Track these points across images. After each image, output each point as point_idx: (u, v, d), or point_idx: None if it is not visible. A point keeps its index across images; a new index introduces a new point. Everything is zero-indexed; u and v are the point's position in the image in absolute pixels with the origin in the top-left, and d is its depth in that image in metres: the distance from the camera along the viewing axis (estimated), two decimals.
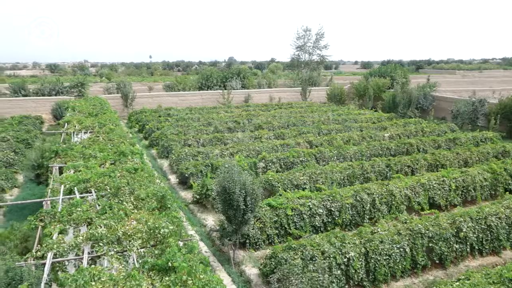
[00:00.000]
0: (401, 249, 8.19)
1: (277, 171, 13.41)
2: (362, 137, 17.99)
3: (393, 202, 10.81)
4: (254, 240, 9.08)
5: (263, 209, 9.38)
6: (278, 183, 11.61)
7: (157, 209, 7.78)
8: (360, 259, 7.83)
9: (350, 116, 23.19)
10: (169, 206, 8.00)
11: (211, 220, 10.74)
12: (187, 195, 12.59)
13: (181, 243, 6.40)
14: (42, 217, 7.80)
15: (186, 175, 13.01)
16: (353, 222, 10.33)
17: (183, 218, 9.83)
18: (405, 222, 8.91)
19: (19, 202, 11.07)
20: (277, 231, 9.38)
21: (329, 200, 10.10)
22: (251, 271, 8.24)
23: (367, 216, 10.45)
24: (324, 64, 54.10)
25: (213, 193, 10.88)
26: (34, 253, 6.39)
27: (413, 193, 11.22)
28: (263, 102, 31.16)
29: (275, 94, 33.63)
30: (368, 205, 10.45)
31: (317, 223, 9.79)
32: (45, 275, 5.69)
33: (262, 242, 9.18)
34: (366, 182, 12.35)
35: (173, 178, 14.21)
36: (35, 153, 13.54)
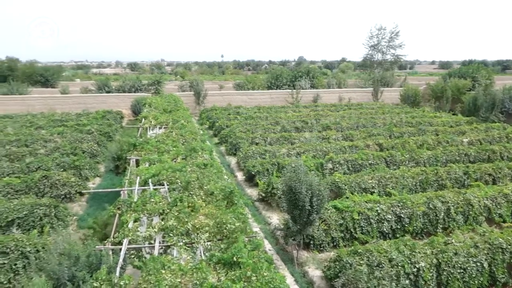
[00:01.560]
0: (478, 264, 7.61)
1: (344, 173, 13.11)
2: (437, 141, 16.97)
3: (470, 212, 10.07)
4: (319, 241, 8.97)
5: (328, 211, 9.24)
6: (345, 185, 11.36)
7: (224, 205, 8.00)
8: (431, 270, 7.41)
9: (424, 119, 21.98)
10: (235, 202, 8.19)
11: (275, 218, 10.80)
12: (253, 192, 12.77)
13: (246, 239, 6.52)
14: (120, 206, 8.39)
15: (253, 172, 13.20)
16: (425, 230, 9.80)
17: (248, 214, 9.99)
18: (484, 235, 8.26)
19: (100, 190, 12.00)
20: (342, 234, 9.19)
21: (399, 206, 9.68)
22: (314, 273, 8.16)
23: (440, 226, 9.85)
24: (398, 64, 51.80)
25: (278, 192, 10.93)
26: (112, 239, 6.89)
27: (494, 204, 10.37)
28: (332, 102, 30.63)
29: (344, 94, 32.90)
30: (442, 214, 9.85)
31: (385, 229, 9.43)
32: (120, 260, 6.11)
33: (327, 245, 9.04)
34: (440, 189, 11.63)
35: (240, 175, 14.50)
36: (115, 145, 14.58)
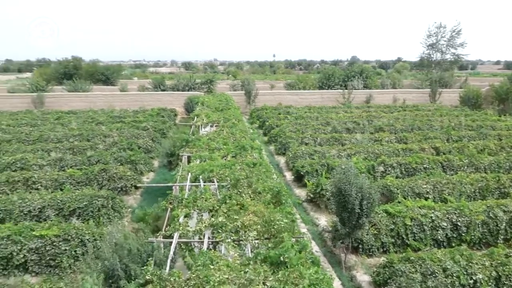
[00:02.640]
0: None
1: (397, 177, 12.66)
2: (500, 146, 15.90)
3: None
4: (368, 246, 8.74)
5: (379, 215, 8.97)
6: (397, 189, 10.97)
7: (272, 203, 8.02)
8: (490, 283, 6.97)
9: (486, 123, 20.67)
10: (283, 201, 8.19)
11: (323, 220, 10.66)
12: (301, 193, 12.70)
13: (293, 240, 6.49)
14: (171, 201, 8.68)
15: (302, 173, 13.12)
16: (483, 241, 9.23)
17: (296, 215, 9.95)
18: None
19: (154, 185, 12.49)
20: (393, 240, 8.88)
21: (455, 214, 9.19)
22: (362, 278, 7.96)
23: (502, 237, 9.23)
24: (458, 64, 49.20)
25: (327, 193, 10.78)
26: (164, 232, 7.14)
27: None
28: (386, 104, 29.68)
29: (399, 95, 31.76)
30: (504, 224, 9.23)
31: (439, 237, 9.00)
32: (171, 253, 6.31)
33: (376, 249, 8.79)
34: (502, 198, 10.90)
35: (288, 175, 14.47)
36: (169, 142, 15.10)
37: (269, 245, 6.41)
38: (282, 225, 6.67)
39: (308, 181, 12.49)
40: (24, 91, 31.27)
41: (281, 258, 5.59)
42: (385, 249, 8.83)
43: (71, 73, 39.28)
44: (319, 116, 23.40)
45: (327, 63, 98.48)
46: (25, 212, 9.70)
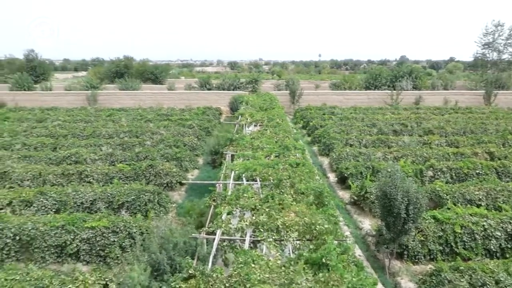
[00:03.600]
0: None
1: (446, 182, 12.13)
2: None
3: None
4: (413, 252, 8.44)
5: (426, 221, 8.63)
6: (447, 195, 10.51)
7: (314, 205, 7.95)
8: None
9: None
10: (326, 203, 8.09)
11: (367, 223, 10.42)
12: (344, 195, 12.49)
13: (335, 242, 6.40)
14: (215, 198, 8.83)
15: (345, 175, 12.90)
16: None
17: (339, 217, 9.80)
18: None
19: (198, 181, 12.76)
20: (441, 248, 8.52)
21: (511, 223, 8.66)
22: (407, 285, 7.71)
23: None
24: None
25: (372, 196, 10.53)
26: (207, 228, 7.29)
27: None
28: (436, 105, 28.49)
29: (451, 97, 30.38)
30: None
31: (492, 247, 8.52)
32: (213, 250, 6.43)
33: (422, 257, 8.47)
34: None
35: (332, 177, 14.27)
36: (213, 140, 15.36)
37: (311, 246, 6.36)
38: (325, 227, 6.59)
39: (352, 183, 12.26)
40: (80, 89, 33.00)
41: (323, 260, 5.53)
42: (432, 256, 8.50)
43: (123, 72, 40.92)
44: (365, 117, 22.88)
45: (374, 63, 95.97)
46: (78, 204, 10.25)
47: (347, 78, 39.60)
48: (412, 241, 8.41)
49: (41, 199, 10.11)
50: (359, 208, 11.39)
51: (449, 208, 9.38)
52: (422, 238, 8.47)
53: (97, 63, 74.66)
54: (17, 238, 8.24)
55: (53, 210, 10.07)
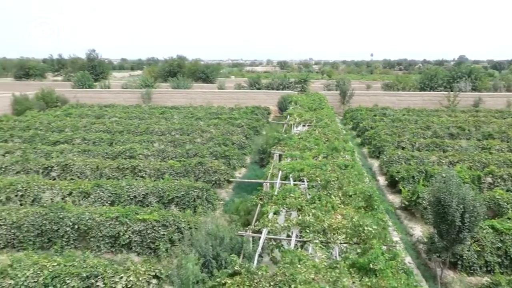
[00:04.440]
0: None
1: (507, 190, 11.38)
2: None
3: None
4: (468, 263, 8.00)
5: (484, 230, 8.16)
6: (507, 204, 9.87)
7: (363, 208, 7.77)
8: None
9: None
10: (375, 207, 7.88)
11: (418, 230, 10.03)
12: (394, 199, 12.09)
13: (384, 247, 6.22)
14: (262, 197, 8.88)
15: (396, 178, 12.48)
16: None
17: (388, 222, 9.51)
18: None
19: (245, 180, 12.89)
20: (499, 259, 8.02)
21: None
22: None
23: None
24: None
25: (424, 202, 10.12)
26: (253, 227, 7.35)
27: None
28: (498, 108, 26.78)
29: None
30: None
31: None
32: (259, 248, 6.47)
33: (478, 268, 8.01)
34: None
35: (381, 180, 13.87)
36: (261, 139, 15.45)
37: (358, 250, 6.22)
38: (373, 231, 6.42)
39: (403, 187, 11.84)
40: (135, 87, 34.45)
41: (370, 265, 5.39)
42: (489, 268, 8.02)
43: (176, 71, 42.19)
44: (419, 119, 22.01)
45: (430, 63, 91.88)
46: (131, 197, 10.72)
47: (401, 78, 38.29)
48: (467, 251, 7.99)
49: (98, 191, 10.68)
50: (410, 214, 10.99)
51: (509, 218, 8.80)
52: (478, 249, 8.02)
53: (152, 63, 77.55)
54: (76, 227, 8.77)
55: (109, 202, 10.60)
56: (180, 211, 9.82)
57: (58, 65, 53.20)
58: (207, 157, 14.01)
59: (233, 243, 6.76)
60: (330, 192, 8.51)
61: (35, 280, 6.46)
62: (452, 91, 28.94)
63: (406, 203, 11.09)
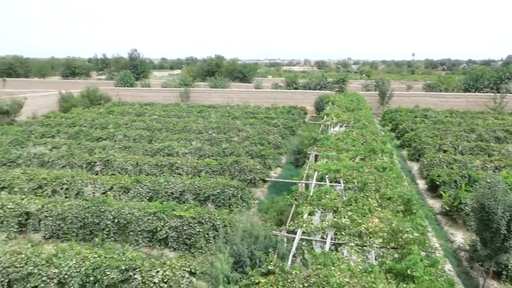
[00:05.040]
0: None
1: None
2: None
3: None
4: None
5: None
6: None
7: (401, 212, 7.56)
8: None
9: None
10: (414, 211, 7.65)
11: (460, 237, 9.64)
12: (435, 204, 11.69)
13: (423, 253, 6.03)
14: (297, 197, 8.85)
15: (437, 182, 12.05)
16: None
17: (428, 227, 9.20)
18: None
19: (280, 180, 12.87)
20: None
21: None
22: None
23: None
24: None
25: (467, 208, 9.72)
26: (287, 227, 7.33)
27: None
28: None
29: None
30: None
31: None
32: (293, 248, 6.44)
33: None
34: None
35: (421, 184, 13.45)
36: (297, 139, 15.38)
37: (395, 255, 6.06)
38: (411, 236, 6.23)
39: (444, 192, 11.43)
40: (174, 86, 35.21)
41: (408, 271, 5.24)
42: None
43: (213, 70, 42.77)
44: (462, 121, 21.16)
45: (476, 63, 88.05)
46: (169, 193, 10.97)
47: (443, 79, 36.92)
48: None
49: (137, 187, 11.01)
50: (451, 220, 10.58)
51: None
52: None
53: (191, 62, 79.02)
54: (116, 220, 9.08)
55: (147, 197, 10.91)
56: (215, 208, 9.94)
57: (102, 65, 55.32)
58: (243, 156, 14.11)
59: (267, 242, 6.77)
60: (367, 194, 8.34)
61: (77, 270, 6.76)
62: (499, 93, 27.59)
63: (447, 208, 10.69)
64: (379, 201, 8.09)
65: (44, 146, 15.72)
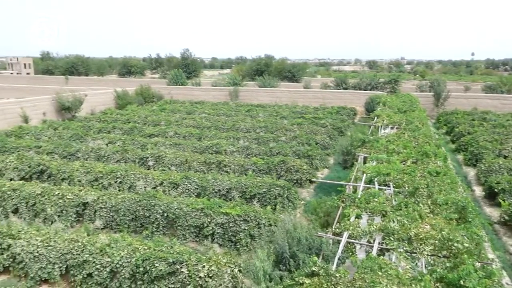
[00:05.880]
0: None
1: None
2: None
3: None
4: None
5: None
6: None
7: (455, 220, 7.20)
8: None
9: None
10: (469, 220, 7.25)
11: None
12: (492, 212, 11.02)
13: (478, 264, 5.70)
14: (344, 199, 8.69)
15: (496, 190, 11.35)
16: None
17: (484, 237, 8.69)
18: None
19: (327, 181, 12.69)
20: None
21: None
22: None
23: None
24: None
25: None
26: (333, 229, 7.21)
27: None
28: None
29: None
30: None
31: None
32: (339, 251, 6.33)
33: None
34: None
35: (478, 190, 12.72)
36: (346, 140, 15.09)
37: (447, 264, 5.78)
38: (465, 246, 5.92)
39: (504, 200, 10.73)
40: (224, 85, 35.81)
41: (461, 282, 4.98)
42: None
43: (263, 70, 43.03)
44: None
45: None
46: (216, 191, 11.17)
47: (506, 80, 34.67)
48: None
49: (186, 183, 11.31)
50: (510, 230, 9.93)
51: None
52: None
53: (240, 62, 79.97)
54: (165, 215, 9.39)
55: (195, 194, 11.17)
56: (261, 207, 9.99)
57: (155, 64, 57.46)
58: (290, 156, 14.07)
59: (311, 244, 6.70)
60: (418, 199, 8.03)
61: (128, 261, 7.06)
62: None
63: (506, 217, 10.03)
64: (431, 207, 7.76)
65: (101, 140, 16.58)
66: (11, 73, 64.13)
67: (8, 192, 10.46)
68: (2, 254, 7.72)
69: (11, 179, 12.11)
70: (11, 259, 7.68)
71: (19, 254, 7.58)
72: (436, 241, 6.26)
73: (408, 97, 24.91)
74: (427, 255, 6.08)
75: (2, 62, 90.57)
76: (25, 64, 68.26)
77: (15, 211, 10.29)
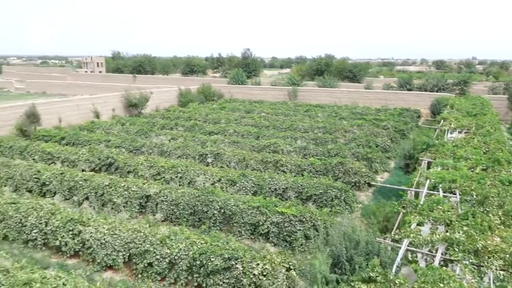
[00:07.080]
0: None
1: None
2: None
3: None
4: None
5: None
6: None
7: None
8: None
9: None
10: None
11: None
12: None
13: None
14: (405, 205, 8.33)
15: None
16: None
17: None
18: None
19: (387, 185, 12.26)
20: None
21: None
22: None
23: None
24: None
25: None
26: (393, 235, 6.95)
27: None
28: None
29: None
30: None
31: None
32: (398, 258, 6.09)
33: None
34: None
35: None
36: (409, 144, 14.47)
37: None
38: None
39: None
40: (283, 85, 35.84)
41: None
42: None
43: (322, 70, 42.49)
44: None
45: None
46: (272, 190, 11.21)
47: None
48: None
49: (243, 181, 11.48)
50: None
51: None
52: None
53: (300, 61, 79.57)
54: (222, 211, 9.60)
55: (251, 191, 11.30)
56: (317, 208, 9.88)
57: (217, 63, 58.85)
58: (348, 158, 13.76)
59: (369, 249, 6.52)
60: (487, 209, 7.50)
61: (186, 253, 7.31)
62: None
63: None
64: (502, 218, 7.22)
65: (164, 137, 17.32)
66: (86, 71, 68.93)
67: (80, 182, 11.29)
68: (74, 239, 8.33)
69: (83, 170, 13.04)
70: (81, 244, 8.26)
71: (88, 240, 8.14)
72: (507, 255, 5.81)
73: (479, 100, 23.35)
74: (496, 269, 5.67)
75: (78, 61, 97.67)
76: (98, 63, 73.03)
77: (85, 200, 11.08)
